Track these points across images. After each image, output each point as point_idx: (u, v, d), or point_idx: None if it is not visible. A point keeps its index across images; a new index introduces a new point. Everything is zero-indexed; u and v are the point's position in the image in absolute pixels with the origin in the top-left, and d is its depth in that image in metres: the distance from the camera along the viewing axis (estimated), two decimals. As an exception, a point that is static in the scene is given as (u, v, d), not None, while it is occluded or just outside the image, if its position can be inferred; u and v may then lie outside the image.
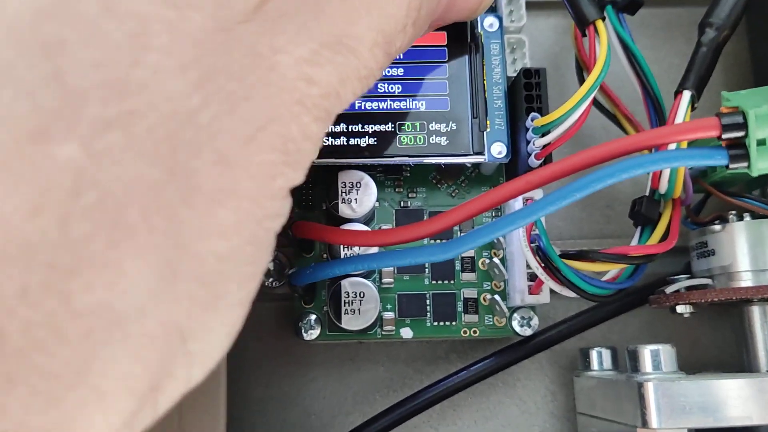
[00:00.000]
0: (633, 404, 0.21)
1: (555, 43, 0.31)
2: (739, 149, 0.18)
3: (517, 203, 0.24)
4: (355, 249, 0.24)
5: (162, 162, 0.12)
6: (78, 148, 0.11)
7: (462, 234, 0.23)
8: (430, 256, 0.20)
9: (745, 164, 0.18)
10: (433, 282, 0.26)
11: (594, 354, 0.26)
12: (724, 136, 0.18)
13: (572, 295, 0.23)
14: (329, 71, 0.15)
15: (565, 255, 0.22)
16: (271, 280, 0.26)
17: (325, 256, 0.25)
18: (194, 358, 0.13)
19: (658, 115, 0.24)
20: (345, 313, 0.24)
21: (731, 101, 0.19)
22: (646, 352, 0.22)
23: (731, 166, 0.18)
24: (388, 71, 0.25)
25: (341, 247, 0.23)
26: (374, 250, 0.23)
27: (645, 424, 0.21)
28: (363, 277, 0.24)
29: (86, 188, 0.11)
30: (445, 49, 0.25)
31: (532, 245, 0.23)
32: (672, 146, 0.21)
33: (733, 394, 0.21)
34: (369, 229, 0.24)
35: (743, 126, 0.18)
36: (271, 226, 0.14)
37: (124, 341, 0.12)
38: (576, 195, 0.19)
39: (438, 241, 0.25)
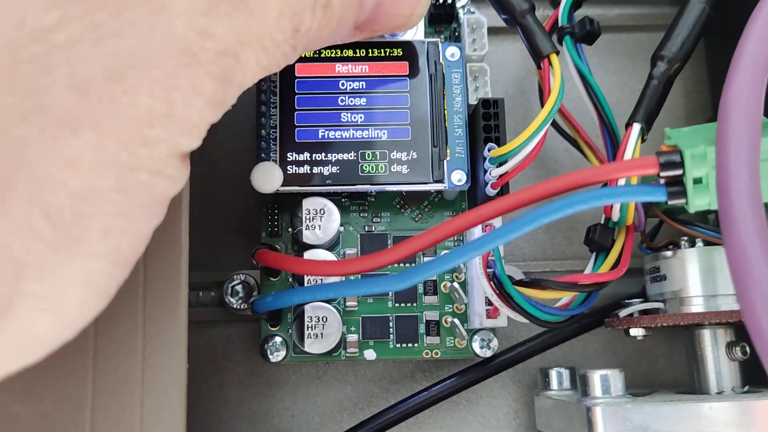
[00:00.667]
0: (583, 426, 0.22)
1: (521, 67, 0.31)
2: (677, 186, 0.19)
3: (477, 229, 0.25)
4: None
5: (0, 70, 0.11)
6: None
7: (419, 263, 0.23)
8: (388, 285, 0.21)
9: (683, 201, 0.19)
10: (396, 305, 0.26)
11: (553, 374, 0.27)
12: (662, 174, 0.19)
13: (525, 321, 0.23)
14: (226, 27, 0.14)
15: (518, 282, 0.23)
16: (240, 302, 0.27)
17: (290, 280, 0.26)
18: (35, 302, 0.13)
19: (613, 142, 0.25)
20: (308, 338, 0.24)
21: (671, 139, 0.20)
22: (596, 377, 0.23)
23: (670, 202, 0.19)
24: (351, 101, 0.25)
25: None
26: (336, 278, 0.24)
27: (592, 447, 0.21)
28: (326, 301, 0.25)
29: None
30: (407, 79, 0.26)
31: (489, 270, 0.23)
32: (621, 181, 0.22)
33: (676, 418, 0.21)
34: (332, 255, 0.25)
35: (680, 165, 0.19)
36: (149, 181, 0.13)
37: None
38: (526, 227, 0.19)
39: (400, 266, 0.26)
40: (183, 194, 0.20)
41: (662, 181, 0.19)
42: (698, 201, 0.19)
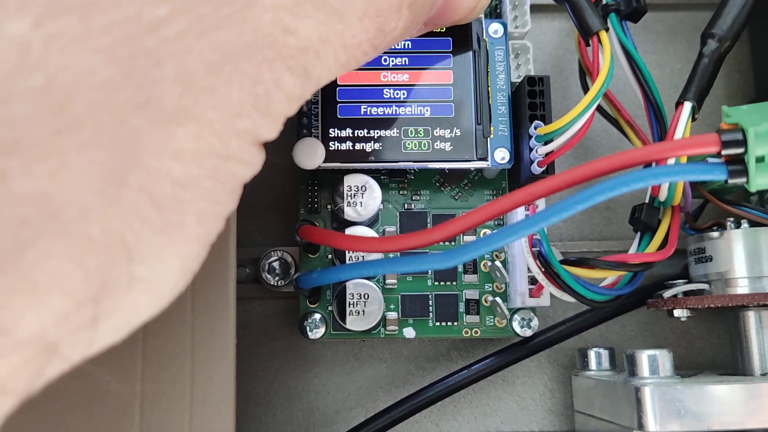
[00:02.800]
0: (630, 407, 0.22)
1: (559, 46, 0.31)
2: (738, 165, 0.19)
3: (519, 211, 0.25)
4: (360, 252, 0.24)
5: (118, 62, 0.12)
6: (29, 26, 0.11)
7: (465, 242, 0.23)
8: (433, 263, 0.21)
9: (744, 180, 0.19)
10: (436, 283, 0.26)
11: (592, 354, 0.26)
12: (723, 153, 0.18)
13: (571, 299, 0.23)
14: (309, 26, 0.14)
15: (565, 261, 0.23)
16: (277, 279, 0.27)
17: (330, 257, 0.26)
18: (140, 284, 0.13)
19: (659, 122, 0.25)
20: (350, 314, 0.24)
21: (731, 117, 0.19)
22: (644, 357, 0.22)
23: (730, 181, 0.19)
24: (394, 77, 0.25)
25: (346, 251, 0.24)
26: (379, 255, 0.24)
27: (641, 426, 0.21)
28: (367, 279, 0.25)
29: (32, 68, 0.11)
30: (450, 55, 0.25)
31: (534, 250, 0.23)
32: (671, 160, 0.21)
33: (727, 400, 0.21)
34: (373, 231, 0.25)
35: (743, 143, 0.18)
36: (236, 170, 0.14)
37: (62, 237, 0.12)
38: (578, 207, 0.19)
39: (442, 244, 0.26)
40: None
41: (722, 160, 0.19)
42: (760, 180, 0.18)
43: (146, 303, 0.14)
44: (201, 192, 0.14)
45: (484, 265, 0.26)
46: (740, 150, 0.18)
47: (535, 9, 0.29)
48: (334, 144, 0.25)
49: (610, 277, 0.23)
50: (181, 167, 0.13)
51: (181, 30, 0.12)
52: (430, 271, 0.26)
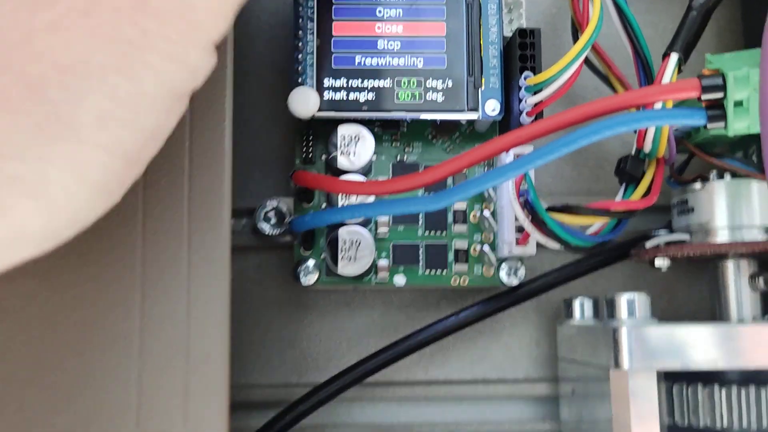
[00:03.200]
0: (608, 348, 0.23)
1: (552, 4, 0.31)
2: (717, 110, 0.19)
3: (508, 159, 0.25)
4: (352, 199, 0.25)
5: None
6: None
7: (454, 185, 0.24)
8: (423, 205, 0.21)
9: (722, 124, 0.19)
10: (426, 233, 0.27)
11: (577, 304, 0.27)
12: (703, 97, 0.19)
13: (557, 246, 0.24)
14: None
15: (551, 208, 0.24)
16: (272, 227, 0.27)
17: (324, 205, 0.26)
18: (16, 185, 0.12)
19: (648, 77, 0.25)
20: (341, 260, 0.25)
21: (713, 63, 0.20)
22: (623, 300, 0.23)
23: (709, 126, 0.19)
24: (388, 28, 0.26)
25: (339, 196, 0.25)
26: (371, 199, 0.24)
27: (617, 365, 0.22)
28: (359, 225, 0.25)
29: None
30: (444, 7, 0.26)
31: (521, 199, 0.24)
32: (657, 106, 0.22)
33: (700, 340, 0.22)
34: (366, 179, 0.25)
35: (722, 88, 0.19)
36: (160, 66, 0.12)
37: None
38: (563, 149, 0.20)
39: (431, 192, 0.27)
40: (226, 113, 0.21)
41: (702, 105, 0.19)
42: (738, 124, 0.19)
43: (34, 209, 0.12)
44: (100, 86, 0.12)
45: (473, 215, 0.27)
46: (719, 95, 0.19)
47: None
48: (328, 93, 0.25)
49: (595, 224, 0.24)
50: (65, 49, 0.12)
51: None
52: (421, 221, 0.27)
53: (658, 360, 0.22)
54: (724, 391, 0.22)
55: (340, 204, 0.25)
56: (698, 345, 0.22)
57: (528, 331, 0.30)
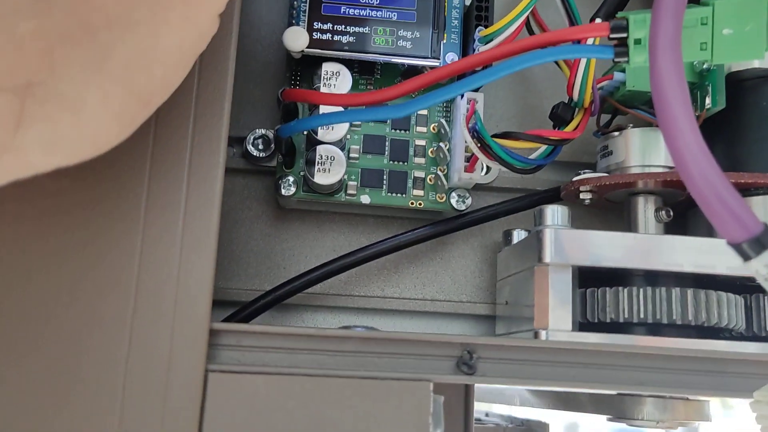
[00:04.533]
0: (534, 249, 0.27)
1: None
2: (622, 47, 0.25)
3: (462, 102, 0.30)
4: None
5: None
6: None
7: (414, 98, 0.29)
8: (390, 113, 0.26)
9: (626, 59, 0.25)
10: (391, 162, 0.32)
11: (515, 233, 0.32)
12: (611, 36, 0.24)
13: (500, 167, 0.29)
14: None
15: (495, 135, 0.29)
16: (260, 152, 0.32)
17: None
18: (62, 100, 0.14)
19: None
20: (318, 171, 0.30)
21: (621, 14, 0.25)
22: (548, 210, 0.28)
23: (615, 59, 0.25)
24: (370, -14, 0.31)
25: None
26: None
27: (540, 260, 0.27)
28: (334, 145, 0.30)
29: None
30: (417, -27, 0.31)
31: (470, 127, 0.29)
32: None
33: (608, 243, 0.27)
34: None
35: (625, 28, 0.24)
36: (178, 25, 0.16)
37: None
38: (497, 74, 0.25)
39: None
40: (230, 57, 0.25)
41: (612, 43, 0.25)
42: (637, 58, 0.24)
43: (69, 121, 0.16)
44: (132, 38, 0.15)
45: (431, 150, 0.32)
46: (624, 34, 0.24)
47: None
48: (316, 34, 0.30)
49: (534, 152, 0.29)
50: (117, 6, 0.15)
51: None
52: (387, 151, 0.32)
53: (573, 257, 0.27)
54: (626, 291, 0.27)
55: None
56: (606, 247, 0.27)
57: (473, 261, 0.34)
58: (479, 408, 0.55)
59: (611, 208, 0.33)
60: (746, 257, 0.19)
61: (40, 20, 0.15)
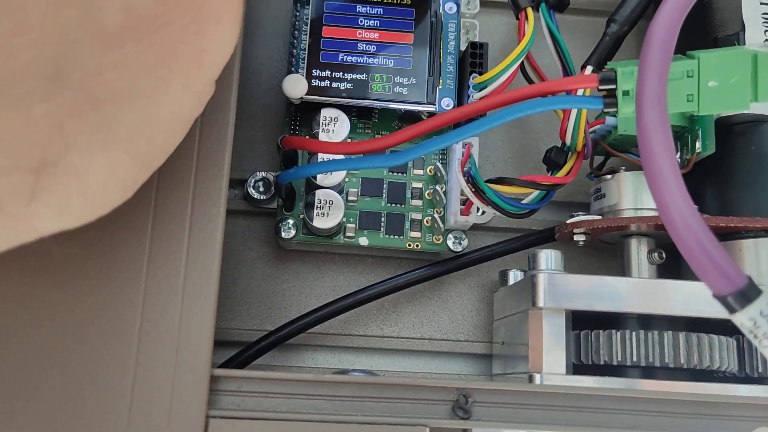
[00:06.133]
0: (528, 293, 0.28)
1: (505, 36, 0.38)
2: (611, 98, 0.25)
3: (458, 147, 0.31)
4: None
5: None
6: None
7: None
8: (386, 161, 0.27)
9: (615, 109, 0.25)
10: (388, 204, 0.32)
11: (511, 274, 0.32)
12: (600, 87, 0.25)
13: (494, 212, 0.29)
14: None
15: (488, 180, 0.29)
16: (260, 194, 0.33)
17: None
18: (73, 171, 0.16)
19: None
20: (317, 216, 0.30)
21: (610, 66, 0.26)
22: (541, 255, 0.29)
23: (605, 110, 0.25)
24: (367, 35, 0.32)
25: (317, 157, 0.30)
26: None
27: (534, 304, 0.27)
28: (332, 190, 0.31)
29: None
30: (413, 22, 0.32)
31: (465, 174, 0.30)
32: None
33: (601, 288, 0.27)
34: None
35: (614, 80, 0.25)
36: (178, 95, 0.18)
37: (6, 109, 0.15)
38: (490, 124, 0.26)
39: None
40: (230, 108, 0.25)
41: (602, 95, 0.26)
42: (626, 109, 0.25)
43: (77, 190, 0.17)
44: (136, 110, 0.17)
45: (428, 193, 0.33)
46: (613, 86, 0.25)
47: (486, 4, 0.36)
48: (315, 81, 0.31)
49: (526, 197, 0.30)
50: (122, 80, 0.16)
51: None
52: (384, 194, 0.32)
53: (567, 301, 0.27)
54: (618, 334, 0.28)
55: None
56: (599, 291, 0.27)
57: (470, 301, 0.35)
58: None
59: (606, 249, 0.34)
60: (732, 310, 0.20)
61: (53, 100, 0.16)
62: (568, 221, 0.31)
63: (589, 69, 0.30)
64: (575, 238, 0.31)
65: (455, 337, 0.34)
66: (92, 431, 0.23)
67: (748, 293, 0.19)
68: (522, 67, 0.33)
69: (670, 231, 0.20)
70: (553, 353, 0.27)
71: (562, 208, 0.35)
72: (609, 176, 0.31)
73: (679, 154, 0.32)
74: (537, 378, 0.27)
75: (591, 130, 0.31)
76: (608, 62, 0.30)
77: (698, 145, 0.30)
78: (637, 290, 0.27)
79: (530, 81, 0.34)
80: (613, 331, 0.28)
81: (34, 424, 0.22)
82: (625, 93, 0.25)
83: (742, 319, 0.19)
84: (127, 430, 0.23)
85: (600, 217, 0.31)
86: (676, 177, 0.21)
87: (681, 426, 0.25)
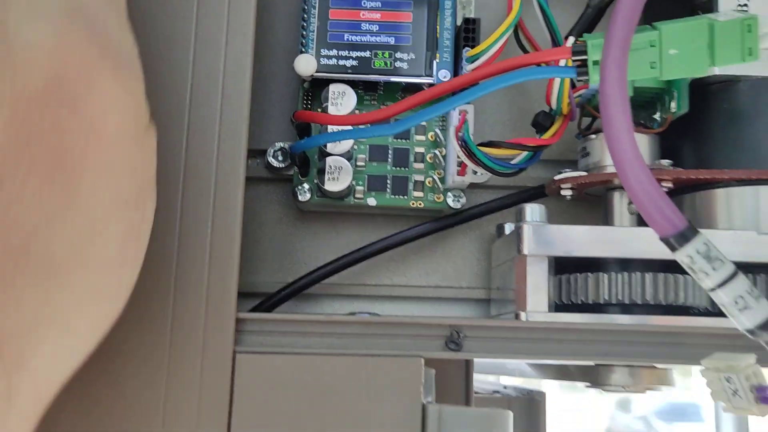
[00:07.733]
0: (515, 243, 0.31)
1: (501, 9, 0.41)
2: (583, 68, 0.28)
3: (455, 114, 0.34)
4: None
5: None
6: None
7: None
8: (388, 130, 0.30)
9: (587, 78, 0.28)
10: (393, 168, 0.36)
11: (506, 227, 0.36)
12: (573, 58, 0.28)
13: (485, 172, 0.33)
14: None
15: (480, 144, 0.33)
16: (279, 162, 0.36)
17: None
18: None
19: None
20: (328, 180, 0.34)
21: (583, 38, 0.29)
22: (527, 208, 0.32)
23: (577, 78, 0.28)
24: (369, 15, 0.35)
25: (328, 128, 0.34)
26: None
27: (520, 251, 0.31)
28: (342, 157, 0.34)
29: None
30: (411, 1, 0.35)
31: (459, 139, 0.33)
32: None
33: (578, 237, 0.31)
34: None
35: (585, 51, 0.28)
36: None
37: None
38: (479, 92, 0.29)
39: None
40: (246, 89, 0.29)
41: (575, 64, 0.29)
42: (596, 77, 0.28)
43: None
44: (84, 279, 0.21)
45: (429, 157, 0.36)
46: (584, 57, 0.28)
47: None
48: (324, 60, 0.34)
49: (515, 157, 0.33)
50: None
51: None
52: (390, 159, 0.36)
53: (548, 249, 0.31)
54: (594, 276, 0.31)
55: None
56: (577, 239, 0.31)
57: (471, 252, 0.38)
58: (493, 380, 0.60)
59: (593, 201, 0.37)
60: (673, 248, 0.23)
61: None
62: (556, 177, 0.34)
63: (571, 40, 0.32)
64: (563, 192, 0.34)
65: (458, 284, 0.38)
66: (137, 366, 0.27)
67: (686, 234, 0.23)
68: (517, 37, 0.36)
69: (623, 183, 0.24)
70: (537, 295, 0.31)
71: (555, 166, 0.38)
72: (593, 136, 0.34)
73: (658, 113, 0.35)
74: (522, 315, 0.30)
75: (577, 94, 0.34)
76: (589, 33, 0.33)
77: (673, 105, 0.33)
78: (609, 237, 0.31)
79: (525, 50, 0.37)
80: (589, 274, 0.31)
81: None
82: (595, 63, 0.28)
83: (681, 256, 0.23)
84: (167, 365, 0.27)
85: (585, 173, 0.34)
86: (629, 135, 0.24)
87: (648, 354, 0.29)
